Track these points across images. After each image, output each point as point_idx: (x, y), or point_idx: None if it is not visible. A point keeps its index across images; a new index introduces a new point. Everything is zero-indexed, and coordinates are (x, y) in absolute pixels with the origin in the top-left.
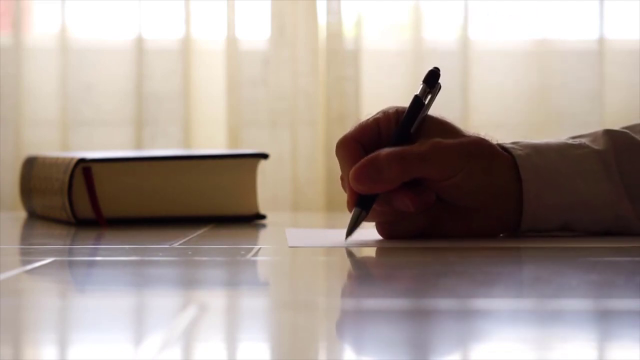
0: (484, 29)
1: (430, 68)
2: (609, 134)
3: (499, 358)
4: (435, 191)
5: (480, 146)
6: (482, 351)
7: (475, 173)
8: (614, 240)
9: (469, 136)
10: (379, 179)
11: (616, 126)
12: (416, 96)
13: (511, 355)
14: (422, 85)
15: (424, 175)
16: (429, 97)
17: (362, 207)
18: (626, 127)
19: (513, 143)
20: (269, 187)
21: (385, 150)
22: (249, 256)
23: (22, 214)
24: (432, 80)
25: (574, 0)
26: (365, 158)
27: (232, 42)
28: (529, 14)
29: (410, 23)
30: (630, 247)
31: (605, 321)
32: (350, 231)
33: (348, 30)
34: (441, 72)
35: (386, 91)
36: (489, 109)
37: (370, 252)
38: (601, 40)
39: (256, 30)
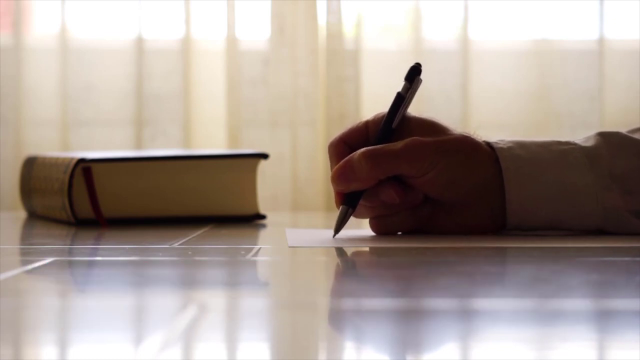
0: (483, 29)
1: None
2: (601, 134)
3: (499, 358)
4: (415, 187)
5: (459, 143)
6: (482, 351)
7: (452, 168)
8: (614, 240)
9: (452, 134)
10: (354, 177)
11: (616, 127)
12: (398, 93)
13: (511, 355)
14: (404, 83)
15: (398, 172)
16: (409, 91)
17: (348, 204)
18: (628, 131)
19: (499, 140)
20: (269, 187)
21: (360, 150)
22: (249, 256)
23: (22, 214)
24: (412, 75)
25: (574, 0)
26: (344, 159)
27: (232, 42)
28: (529, 14)
29: (410, 23)
30: (630, 247)
31: (605, 321)
32: (337, 228)
33: (348, 30)
34: (441, 72)
35: (386, 91)
36: (489, 109)
37: (370, 252)
38: (601, 40)
39: (256, 30)
